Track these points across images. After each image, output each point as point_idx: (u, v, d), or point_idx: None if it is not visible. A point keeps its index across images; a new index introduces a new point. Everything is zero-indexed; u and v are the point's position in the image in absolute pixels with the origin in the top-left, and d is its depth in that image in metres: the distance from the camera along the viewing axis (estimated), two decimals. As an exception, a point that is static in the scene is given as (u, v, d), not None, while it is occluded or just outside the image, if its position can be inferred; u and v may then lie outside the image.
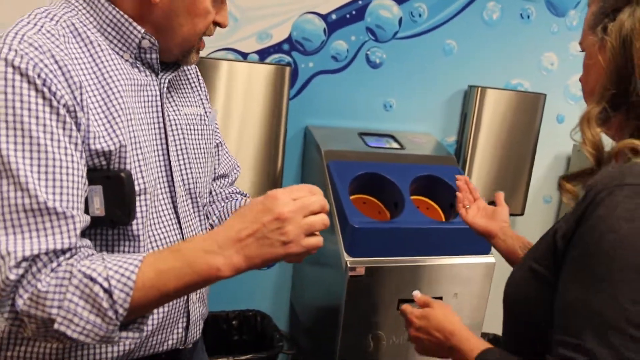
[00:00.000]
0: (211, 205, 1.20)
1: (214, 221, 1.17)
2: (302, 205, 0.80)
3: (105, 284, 0.77)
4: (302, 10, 2.06)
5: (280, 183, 2.10)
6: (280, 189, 0.82)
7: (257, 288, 2.25)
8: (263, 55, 2.05)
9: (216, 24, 1.00)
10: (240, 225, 0.80)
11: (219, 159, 1.23)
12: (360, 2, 2.12)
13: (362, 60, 2.17)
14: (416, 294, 1.21)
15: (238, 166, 1.29)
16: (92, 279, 0.78)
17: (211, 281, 0.81)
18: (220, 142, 1.23)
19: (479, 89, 2.30)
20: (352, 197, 1.89)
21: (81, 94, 0.85)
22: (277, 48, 2.06)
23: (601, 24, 0.88)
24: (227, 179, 1.25)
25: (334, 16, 2.10)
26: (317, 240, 0.81)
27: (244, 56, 2.03)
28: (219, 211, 1.18)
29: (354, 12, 2.12)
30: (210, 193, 1.22)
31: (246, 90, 1.97)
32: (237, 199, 1.22)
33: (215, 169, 1.21)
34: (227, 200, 1.22)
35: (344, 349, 1.81)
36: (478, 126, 2.35)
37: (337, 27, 2.11)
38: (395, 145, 2.13)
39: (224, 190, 1.24)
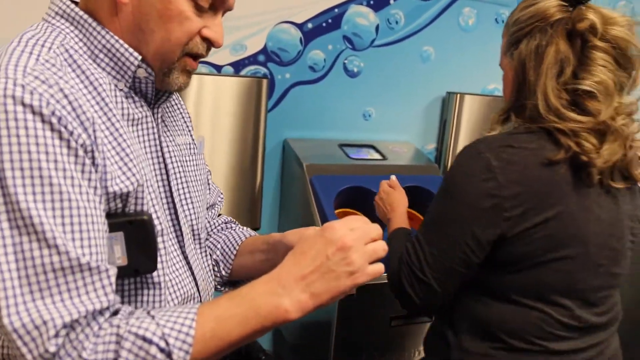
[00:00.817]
0: (207, 239, 1.12)
1: (217, 256, 1.09)
2: (363, 233, 0.77)
3: (162, 344, 0.69)
4: (277, 19, 1.99)
5: (260, 199, 2.03)
6: (334, 221, 0.78)
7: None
8: (238, 67, 1.97)
9: (206, 39, 0.86)
10: (302, 262, 0.76)
11: (209, 189, 1.14)
12: (336, 10, 2.06)
13: (340, 70, 2.12)
14: (393, 178, 1.62)
15: (221, 193, 1.22)
16: (146, 340, 0.69)
17: (278, 324, 0.75)
18: (208, 170, 1.15)
19: (458, 95, 2.27)
20: (337, 212, 1.84)
21: (94, 130, 0.75)
22: (252, 59, 1.98)
23: (509, 50, 1.16)
24: (215, 209, 1.17)
25: (310, 25, 2.04)
26: (380, 267, 0.78)
27: (218, 69, 1.95)
28: (221, 245, 1.10)
29: (330, 21, 2.06)
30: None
31: (220, 104, 1.89)
32: (233, 228, 1.15)
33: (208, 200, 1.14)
34: (223, 231, 1.15)
35: (335, 369, 1.75)
36: (457, 132, 2.32)
37: (314, 37, 2.05)
38: (376, 155, 2.08)
39: (214, 221, 1.16)
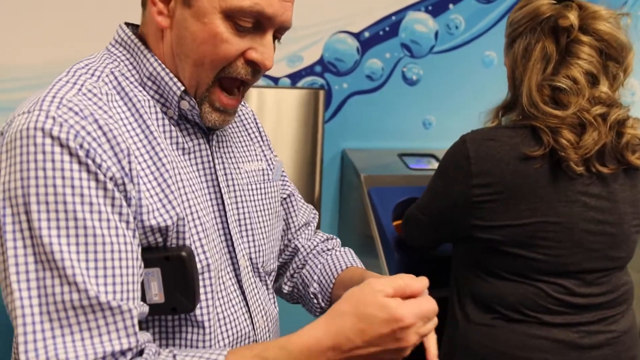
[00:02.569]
0: (303, 268, 1.08)
1: (315, 289, 1.04)
2: (428, 332, 0.73)
3: None
4: (333, 30, 1.98)
5: (319, 210, 2.02)
6: (415, 309, 0.70)
7: (294, 320, 2.17)
8: (295, 79, 1.97)
9: (250, 62, 0.80)
10: (355, 342, 0.70)
11: (294, 210, 1.10)
12: (393, 17, 2.03)
13: (398, 78, 2.08)
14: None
15: (314, 211, 1.17)
16: None
17: None
18: (291, 192, 1.11)
19: (523, 100, 2.18)
20: (395, 224, 1.80)
21: (129, 162, 0.74)
22: (309, 70, 1.98)
23: (508, 50, 1.28)
24: (310, 227, 1.13)
25: (366, 34, 2.01)
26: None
27: (275, 81, 1.96)
28: (318, 277, 1.05)
29: (387, 29, 2.03)
30: (295, 249, 1.11)
31: (278, 116, 1.90)
32: (333, 253, 1.09)
33: (293, 221, 1.10)
34: (321, 256, 1.09)
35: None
36: (524, 139, 2.23)
37: (371, 45, 2.02)
38: (437, 165, 2.02)
39: (311, 242, 1.11)
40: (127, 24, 0.87)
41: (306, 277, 1.06)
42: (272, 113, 1.89)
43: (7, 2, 1.70)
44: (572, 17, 1.15)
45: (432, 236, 1.42)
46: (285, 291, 1.12)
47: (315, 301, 1.04)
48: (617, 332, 1.23)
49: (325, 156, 2.02)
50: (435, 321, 0.75)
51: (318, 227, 1.99)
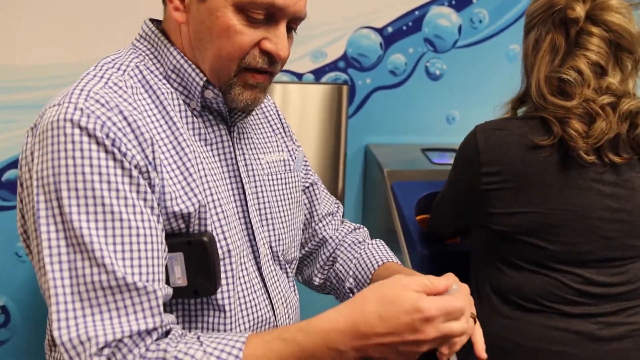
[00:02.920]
0: (335, 262, 1.10)
1: (351, 284, 1.05)
2: (450, 333, 0.72)
3: None
4: (356, 25, 1.99)
5: (342, 205, 2.04)
6: (438, 303, 0.71)
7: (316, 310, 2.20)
8: (318, 74, 2.00)
9: (265, 52, 0.83)
10: (374, 329, 0.71)
11: (317, 199, 1.12)
12: (416, 12, 2.03)
13: (422, 73, 2.08)
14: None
15: (337, 202, 1.19)
16: None
17: None
18: (313, 181, 1.12)
19: (548, 94, 2.16)
20: (418, 218, 1.81)
21: (153, 151, 0.78)
22: (332, 66, 2.00)
23: (523, 42, 1.30)
24: (335, 217, 1.15)
25: (390, 29, 2.02)
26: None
27: (299, 77, 1.98)
28: (354, 272, 1.06)
29: (410, 24, 2.04)
30: (323, 240, 1.12)
31: (302, 112, 1.93)
32: (366, 246, 1.10)
33: (316, 210, 1.12)
34: (354, 249, 1.10)
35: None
36: (549, 133, 2.22)
37: (394, 40, 2.03)
38: (457, 158, 2.03)
39: (339, 232, 1.13)
40: (152, 20, 0.91)
41: (340, 272, 1.08)
42: (296, 108, 1.91)
43: (44, 9, 1.76)
44: (579, 9, 1.17)
45: (451, 224, 1.47)
46: (316, 283, 1.14)
47: (351, 296, 1.05)
48: (638, 324, 1.22)
49: (349, 151, 2.04)
50: (462, 323, 0.74)
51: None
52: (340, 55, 2.00)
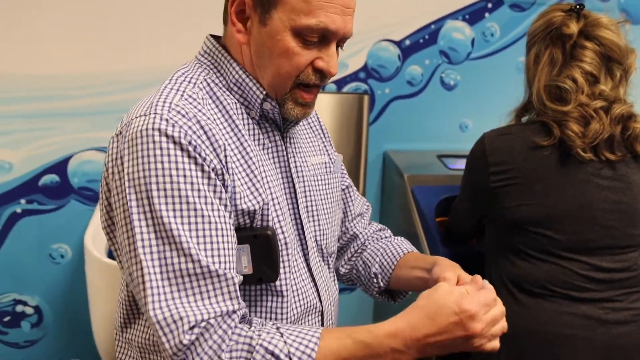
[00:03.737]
0: (363, 252, 1.20)
1: (376, 269, 1.16)
2: (493, 319, 0.84)
3: None
4: (376, 38, 2.10)
5: (362, 209, 2.13)
6: (477, 299, 0.83)
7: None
8: (340, 84, 2.09)
9: (318, 70, 0.91)
10: (429, 330, 0.82)
11: (351, 200, 1.23)
12: (432, 26, 2.14)
13: (437, 83, 2.19)
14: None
15: (367, 203, 1.30)
16: (274, 355, 0.79)
17: None
18: (349, 184, 1.23)
19: (555, 103, 2.28)
20: (438, 220, 1.90)
21: (225, 156, 0.87)
22: (353, 77, 2.10)
23: (525, 57, 1.44)
24: (364, 217, 1.25)
25: (407, 42, 2.13)
26: (494, 345, 0.85)
27: (322, 87, 2.07)
28: (380, 259, 1.17)
29: (427, 37, 2.14)
30: (354, 236, 1.23)
31: (325, 120, 2.00)
32: (390, 240, 1.21)
33: (350, 210, 1.22)
34: (380, 242, 1.21)
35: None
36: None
37: (411, 52, 2.14)
38: (471, 163, 2.12)
39: (367, 230, 1.24)
40: (212, 36, 1.00)
41: (367, 259, 1.18)
42: (320, 117, 2.00)
43: (79, 20, 1.84)
44: (573, 26, 1.32)
45: (468, 224, 1.58)
46: (341, 272, 1.24)
47: (375, 280, 1.16)
48: None
49: (369, 157, 2.13)
50: (504, 326, 0.87)
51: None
52: (361, 67, 2.10)
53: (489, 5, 2.18)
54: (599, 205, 1.31)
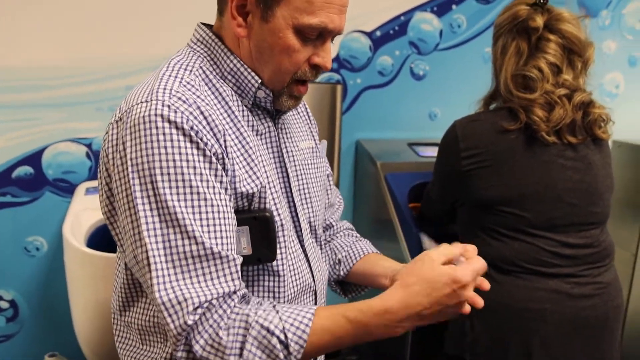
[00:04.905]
0: (332, 240, 1.24)
1: (342, 257, 1.20)
2: (482, 284, 0.91)
3: (282, 337, 0.81)
4: (348, 29, 2.14)
5: (337, 196, 2.18)
6: (469, 268, 0.86)
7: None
8: (313, 75, 2.13)
9: (314, 65, 0.95)
10: (424, 304, 0.85)
11: (330, 190, 1.26)
12: (402, 17, 2.20)
13: (407, 73, 2.25)
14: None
15: (339, 195, 1.33)
16: (269, 331, 0.81)
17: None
18: (330, 172, 1.26)
19: (519, 92, 2.37)
20: (410, 205, 1.96)
21: (225, 141, 0.89)
22: (326, 67, 2.14)
23: (492, 48, 1.51)
24: (334, 208, 1.29)
25: (378, 33, 2.18)
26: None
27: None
28: (346, 250, 1.21)
29: (397, 28, 2.20)
30: (329, 225, 1.26)
31: (299, 109, 2.05)
32: (360, 239, 1.25)
33: (328, 198, 1.25)
34: (350, 238, 1.25)
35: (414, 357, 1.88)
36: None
37: (382, 43, 2.19)
38: (443, 152, 2.19)
39: (337, 223, 1.28)
40: (204, 24, 1.01)
41: (335, 247, 1.23)
42: (294, 107, 2.04)
43: (58, 13, 1.82)
44: (539, 20, 1.40)
45: (440, 207, 1.64)
46: None
47: (337, 267, 1.20)
48: (603, 283, 1.43)
49: (342, 146, 2.18)
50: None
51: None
52: (333, 57, 2.13)
53: (456, -3, 2.25)
54: (562, 185, 1.40)
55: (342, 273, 1.19)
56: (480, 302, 0.89)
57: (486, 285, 0.95)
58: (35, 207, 1.93)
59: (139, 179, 0.83)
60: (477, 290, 0.92)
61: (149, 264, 0.82)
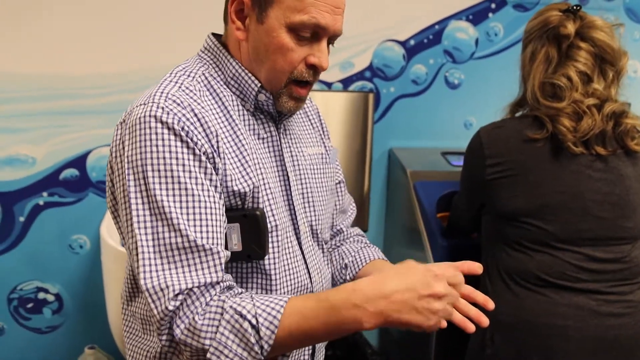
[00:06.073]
0: (342, 245, 1.26)
1: (348, 262, 1.21)
2: (456, 296, 0.86)
3: (254, 321, 0.84)
4: (381, 38, 2.16)
5: (368, 204, 2.20)
6: (443, 266, 0.86)
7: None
8: (347, 83, 2.16)
9: (311, 66, 0.98)
10: (395, 286, 0.84)
11: (342, 196, 1.28)
12: (437, 26, 2.20)
13: (441, 82, 2.25)
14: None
15: (353, 203, 1.35)
16: (242, 316, 0.85)
17: (351, 331, 0.86)
18: (341, 180, 1.28)
19: (559, 102, 2.31)
20: (439, 215, 1.96)
21: (217, 142, 0.94)
22: (359, 76, 2.17)
23: (522, 53, 1.49)
24: (346, 215, 1.31)
25: (412, 42, 2.19)
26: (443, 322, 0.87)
27: (329, 85, 2.15)
28: (353, 255, 1.22)
29: (431, 37, 2.20)
30: (339, 231, 1.28)
31: (332, 118, 2.08)
32: (368, 245, 1.26)
33: (338, 205, 1.27)
34: (359, 244, 1.26)
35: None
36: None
37: (416, 52, 2.20)
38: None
39: (347, 230, 1.30)
40: (214, 34, 1.08)
41: (343, 252, 1.24)
42: (326, 115, 2.05)
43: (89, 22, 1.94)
44: (570, 27, 1.37)
45: (467, 216, 1.61)
46: None
47: (344, 272, 1.22)
48: (634, 302, 1.36)
49: (374, 154, 2.20)
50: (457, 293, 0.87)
51: (367, 218, 2.19)
52: (366, 66, 2.17)
53: (493, 5, 2.23)
54: (590, 196, 1.35)
55: (348, 278, 1.21)
56: (471, 327, 0.89)
57: (491, 305, 0.93)
58: (79, 207, 2.05)
59: (133, 175, 0.90)
60: (483, 309, 0.92)
61: (137, 254, 0.88)
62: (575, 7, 1.40)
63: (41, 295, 2.08)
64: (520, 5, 2.25)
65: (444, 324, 0.87)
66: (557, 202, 1.35)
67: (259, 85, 1.00)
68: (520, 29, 2.27)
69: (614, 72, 1.39)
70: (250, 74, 1.01)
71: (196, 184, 0.90)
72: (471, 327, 0.90)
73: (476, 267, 0.93)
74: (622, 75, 1.41)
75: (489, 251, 1.50)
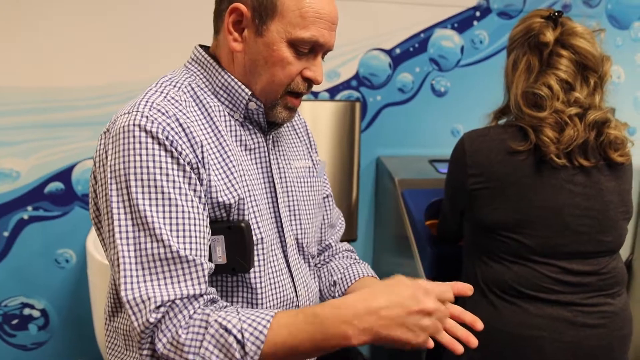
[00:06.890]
0: (330, 261, 1.25)
1: (337, 279, 1.20)
2: (445, 313, 0.86)
3: (239, 336, 0.82)
4: (367, 47, 2.16)
5: (356, 212, 2.19)
6: (432, 284, 0.85)
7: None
8: (333, 92, 2.16)
9: (307, 79, 1.00)
10: (383, 302, 0.82)
11: (330, 210, 1.28)
12: (422, 35, 2.21)
13: (428, 90, 2.25)
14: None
15: (341, 217, 1.34)
16: (227, 330, 0.83)
17: (339, 347, 0.83)
18: (329, 193, 1.28)
19: (545, 108, 2.32)
20: (427, 223, 1.95)
21: (202, 152, 0.93)
22: (346, 85, 2.17)
23: (505, 61, 1.47)
24: (335, 229, 1.30)
25: (398, 50, 2.19)
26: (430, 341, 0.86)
27: (315, 95, 2.15)
28: (342, 271, 1.21)
29: (416, 45, 2.21)
30: (328, 246, 1.27)
31: (318, 127, 2.09)
32: (358, 262, 1.25)
33: (326, 219, 1.27)
34: (348, 260, 1.25)
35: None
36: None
37: (402, 61, 2.20)
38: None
39: (336, 244, 1.29)
40: (201, 46, 1.07)
41: (332, 268, 1.24)
42: (313, 124, 2.07)
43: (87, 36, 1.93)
44: (549, 35, 1.35)
45: (453, 222, 1.59)
46: None
47: (332, 289, 1.21)
48: (609, 312, 1.35)
49: (362, 163, 2.20)
50: (447, 311, 0.88)
51: (355, 227, 2.18)
52: (352, 75, 2.16)
53: (477, 13, 2.24)
54: (570, 211, 1.33)
55: (337, 294, 1.20)
56: (459, 349, 0.88)
57: (479, 325, 0.92)
58: (65, 221, 2.03)
59: (115, 184, 0.89)
60: (472, 331, 0.91)
61: (118, 264, 0.86)
62: (556, 14, 1.39)
63: (27, 311, 2.05)
64: (504, 13, 2.27)
65: (431, 344, 0.85)
66: (536, 217, 1.34)
67: (249, 93, 1.00)
68: (504, 36, 2.29)
69: (597, 79, 1.37)
70: (240, 83, 1.01)
71: (180, 194, 0.89)
72: (459, 349, 0.88)
73: (467, 289, 0.92)
74: (606, 82, 1.40)
75: (469, 261, 1.50)
